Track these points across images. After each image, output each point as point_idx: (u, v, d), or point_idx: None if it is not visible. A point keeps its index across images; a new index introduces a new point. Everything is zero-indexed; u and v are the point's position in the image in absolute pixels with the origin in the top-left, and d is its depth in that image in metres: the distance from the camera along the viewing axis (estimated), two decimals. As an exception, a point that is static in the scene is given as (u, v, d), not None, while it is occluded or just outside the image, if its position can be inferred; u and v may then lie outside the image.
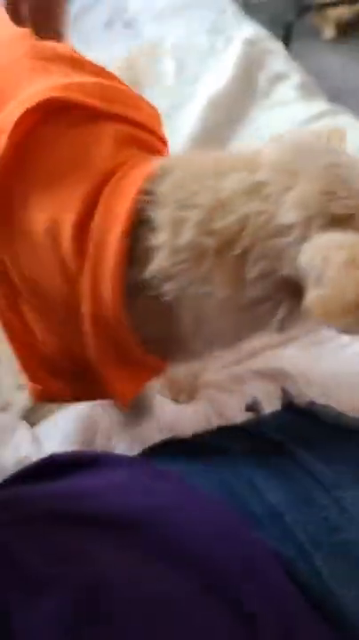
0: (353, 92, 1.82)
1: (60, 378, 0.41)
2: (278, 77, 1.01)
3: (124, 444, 0.53)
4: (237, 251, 0.31)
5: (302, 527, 0.33)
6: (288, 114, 0.93)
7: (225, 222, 0.31)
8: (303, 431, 0.41)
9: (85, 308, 0.34)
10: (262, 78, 1.00)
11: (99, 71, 0.45)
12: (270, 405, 0.49)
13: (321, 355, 0.55)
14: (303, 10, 1.91)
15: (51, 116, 0.37)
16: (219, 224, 0.31)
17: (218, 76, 0.97)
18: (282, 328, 0.33)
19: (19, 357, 0.42)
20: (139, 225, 0.34)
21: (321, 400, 0.45)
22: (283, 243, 0.30)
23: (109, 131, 0.38)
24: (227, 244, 0.31)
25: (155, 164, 0.36)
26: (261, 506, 0.35)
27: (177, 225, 0.32)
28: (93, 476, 0.36)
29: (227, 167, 0.33)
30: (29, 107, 0.36)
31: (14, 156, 0.36)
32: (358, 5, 1.97)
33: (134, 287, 0.34)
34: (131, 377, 0.39)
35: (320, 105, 0.99)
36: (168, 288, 0.33)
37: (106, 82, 0.43)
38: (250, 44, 1.04)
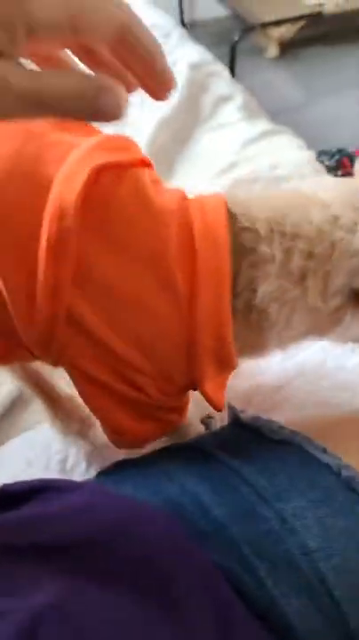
0: (295, 107, 1.89)
1: (148, 419, 0.43)
2: (222, 99, 1.05)
3: (82, 468, 0.54)
4: (328, 268, 0.39)
5: (246, 540, 0.35)
6: (231, 134, 0.97)
7: (322, 247, 0.39)
8: (247, 446, 0.42)
9: (201, 335, 0.39)
10: (207, 101, 1.04)
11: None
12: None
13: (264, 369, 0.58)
14: (247, 29, 1.97)
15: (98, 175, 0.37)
16: (318, 249, 0.39)
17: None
18: (345, 332, 0.42)
19: (102, 412, 0.43)
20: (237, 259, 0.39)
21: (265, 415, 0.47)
22: (357, 262, 0.39)
23: (146, 177, 0.40)
24: (321, 264, 0.39)
25: (219, 207, 0.40)
26: (207, 521, 0.36)
27: (288, 253, 0.39)
28: (44, 503, 0.37)
29: (305, 203, 0.41)
30: (91, 169, 0.36)
31: (83, 214, 0.36)
32: (299, 24, 2.05)
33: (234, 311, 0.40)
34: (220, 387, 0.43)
35: (262, 125, 1.03)
36: (273, 307, 0.40)
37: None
38: (194, 67, 1.08)
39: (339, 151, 1.43)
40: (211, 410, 0.52)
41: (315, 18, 1.99)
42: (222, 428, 0.48)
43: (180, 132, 0.97)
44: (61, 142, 0.38)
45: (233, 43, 1.96)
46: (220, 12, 2.39)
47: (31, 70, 0.26)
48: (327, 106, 1.88)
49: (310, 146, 1.07)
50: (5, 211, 0.36)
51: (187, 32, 2.24)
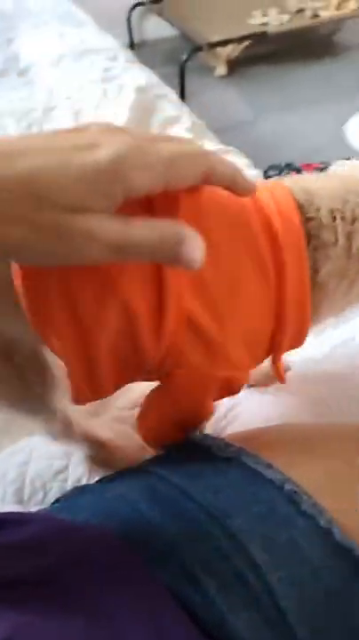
0: (245, 124, 1.95)
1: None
2: (170, 121, 1.07)
3: (39, 497, 0.54)
4: None
5: (197, 559, 0.36)
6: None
7: None
8: (196, 465, 0.43)
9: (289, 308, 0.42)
10: (155, 123, 1.06)
11: None
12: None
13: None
14: (195, 49, 2.02)
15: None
16: None
17: (113, 122, 1.01)
18: None
19: (198, 404, 0.45)
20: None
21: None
22: None
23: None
24: None
25: (287, 196, 0.43)
26: (160, 543, 0.37)
27: (350, 235, 0.42)
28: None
29: (353, 185, 0.44)
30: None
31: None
32: (245, 43, 2.12)
33: None
34: None
35: (210, 145, 1.06)
36: (332, 283, 0.44)
37: None
38: (142, 91, 1.10)
39: (288, 165, 1.49)
40: None
41: (261, 37, 2.07)
42: (175, 449, 0.49)
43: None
44: None
45: (181, 62, 2.01)
46: (169, 32, 2.44)
47: (118, 220, 0.29)
48: (275, 122, 1.94)
49: (259, 160, 1.11)
50: None
51: (136, 53, 2.29)
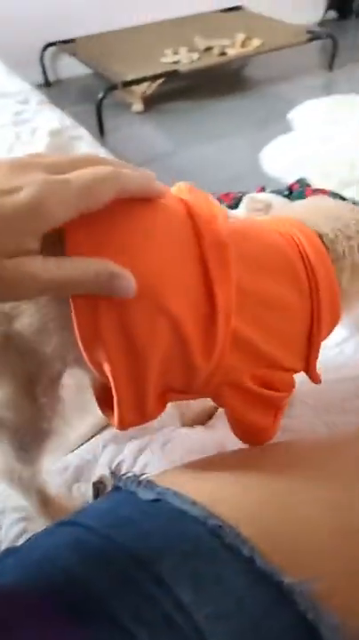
0: (163, 156, 2.01)
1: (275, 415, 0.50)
2: (86, 161, 1.09)
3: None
4: None
5: (126, 609, 0.35)
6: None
7: None
8: (123, 512, 0.42)
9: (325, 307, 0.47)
10: (71, 164, 1.07)
11: None
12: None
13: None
14: (110, 88, 2.06)
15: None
16: None
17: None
18: None
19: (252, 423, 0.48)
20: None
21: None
22: None
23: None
24: None
25: (301, 224, 0.49)
26: (87, 598, 0.36)
27: (352, 249, 0.49)
28: None
29: (341, 210, 0.53)
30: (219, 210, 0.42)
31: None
32: (158, 81, 2.20)
33: None
34: None
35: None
36: (353, 289, 0.51)
37: None
38: (56, 133, 1.12)
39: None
40: (102, 475, 0.54)
41: (173, 74, 2.15)
42: (103, 497, 0.49)
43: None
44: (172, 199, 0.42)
45: (97, 101, 2.05)
46: (83, 70, 2.49)
47: (53, 260, 0.31)
48: (193, 154, 2.01)
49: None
50: (173, 268, 0.38)
51: (51, 91, 2.30)
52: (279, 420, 0.50)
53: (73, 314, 0.35)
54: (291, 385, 0.49)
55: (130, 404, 0.40)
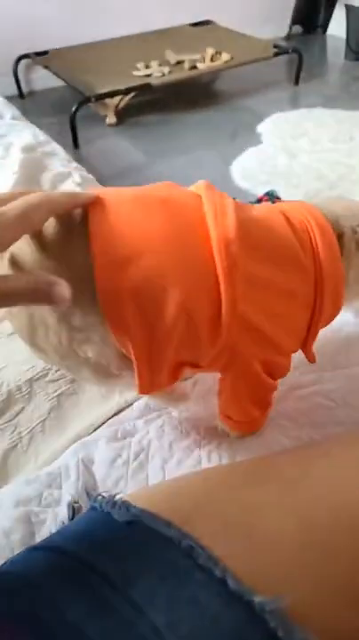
0: (135, 167, 2.05)
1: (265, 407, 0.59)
2: (60, 177, 1.11)
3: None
4: None
5: (101, 635, 0.35)
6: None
7: None
8: (98, 534, 0.43)
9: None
10: (45, 179, 1.09)
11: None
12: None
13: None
14: (83, 101, 2.10)
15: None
16: None
17: (2, 181, 1.04)
18: None
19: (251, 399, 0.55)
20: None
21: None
22: None
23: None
24: None
25: (321, 216, 0.52)
26: (63, 626, 0.36)
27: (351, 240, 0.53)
28: None
29: (352, 207, 0.56)
30: (233, 205, 0.47)
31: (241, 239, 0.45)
32: (131, 94, 2.24)
33: None
34: None
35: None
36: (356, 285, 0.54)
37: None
38: (30, 149, 1.14)
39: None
40: (78, 495, 0.56)
41: (145, 88, 2.20)
42: (78, 517, 0.49)
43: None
44: (186, 195, 0.48)
45: (71, 113, 2.08)
46: (57, 82, 2.52)
47: (1, 276, 0.36)
48: (165, 165, 2.06)
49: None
50: (188, 262, 0.44)
51: (25, 103, 2.31)
52: (267, 413, 0.58)
53: (100, 301, 0.43)
54: (287, 369, 0.55)
55: (147, 377, 0.48)
